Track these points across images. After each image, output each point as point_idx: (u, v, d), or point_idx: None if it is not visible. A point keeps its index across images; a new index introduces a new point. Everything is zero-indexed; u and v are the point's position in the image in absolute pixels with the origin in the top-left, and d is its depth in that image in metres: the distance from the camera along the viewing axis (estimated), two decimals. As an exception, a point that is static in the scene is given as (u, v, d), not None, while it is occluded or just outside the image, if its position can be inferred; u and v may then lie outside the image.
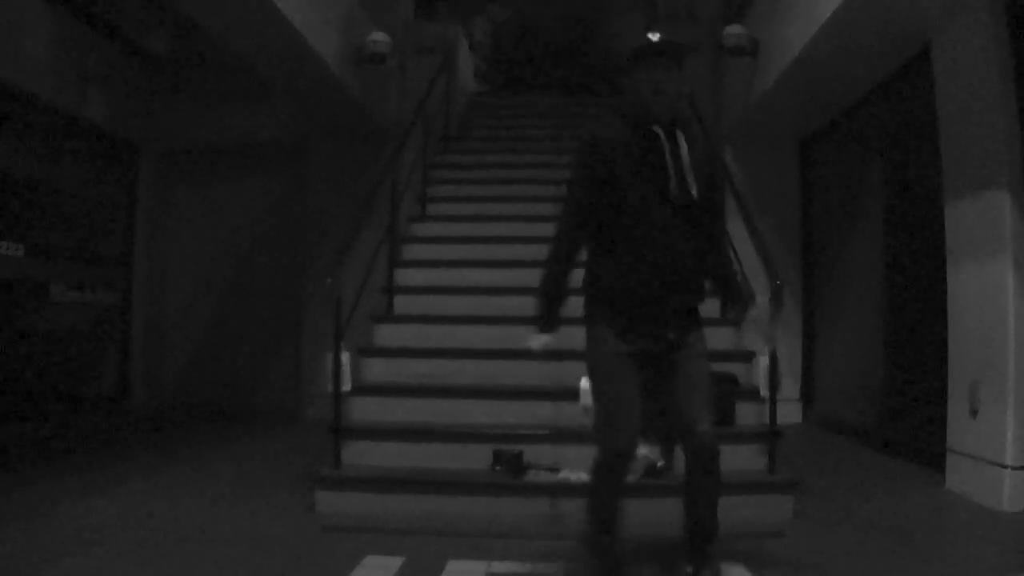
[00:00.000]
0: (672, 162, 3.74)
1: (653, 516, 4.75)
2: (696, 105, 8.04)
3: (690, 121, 3.93)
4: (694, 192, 3.74)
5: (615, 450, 3.81)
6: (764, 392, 5.36)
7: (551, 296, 3.98)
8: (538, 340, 4.03)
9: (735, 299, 4.02)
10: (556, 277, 3.97)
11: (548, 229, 7.73)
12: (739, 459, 5.35)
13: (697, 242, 3.82)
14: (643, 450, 5.10)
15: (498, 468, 5.37)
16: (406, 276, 7.42)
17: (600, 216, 3.82)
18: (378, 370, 6.29)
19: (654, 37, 3.75)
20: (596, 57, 15.91)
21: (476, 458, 5.46)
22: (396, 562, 4.29)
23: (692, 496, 3.86)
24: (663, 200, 3.72)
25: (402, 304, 7.11)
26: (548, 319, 4.01)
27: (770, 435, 5.31)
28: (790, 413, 9.14)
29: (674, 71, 3.76)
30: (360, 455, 5.57)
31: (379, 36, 9.31)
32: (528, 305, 6.89)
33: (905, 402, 7.40)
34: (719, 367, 5.77)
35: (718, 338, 5.84)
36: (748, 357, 6.07)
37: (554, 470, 5.32)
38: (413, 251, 7.81)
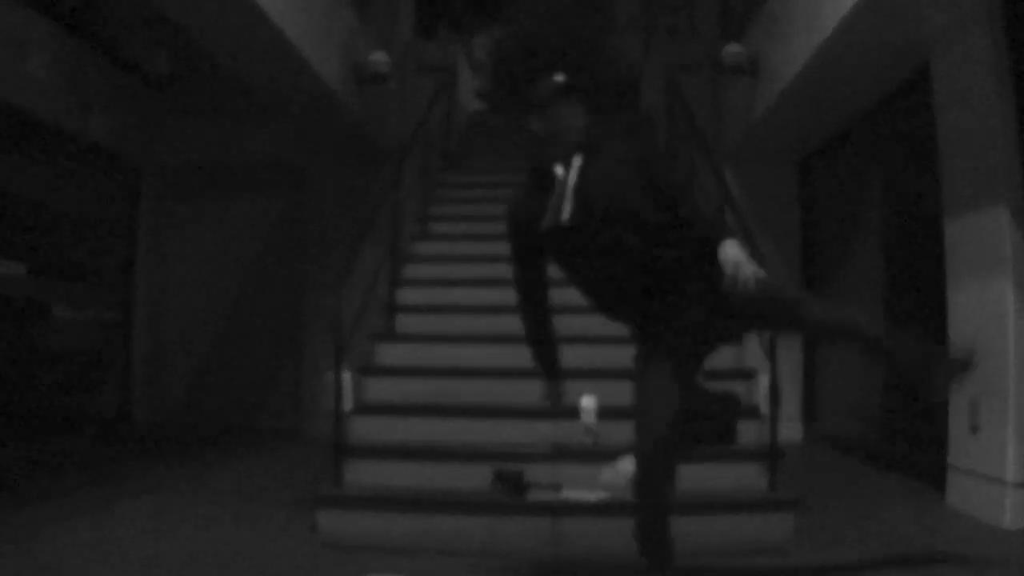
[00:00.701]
0: (561, 192, 3.74)
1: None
2: (652, 126, 8.10)
3: (598, 145, 3.88)
4: (565, 216, 3.69)
5: (645, 443, 3.66)
6: (765, 410, 5.36)
7: (537, 343, 4.06)
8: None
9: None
10: (531, 326, 4.05)
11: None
12: (740, 477, 5.37)
13: (640, 242, 3.65)
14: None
15: (499, 487, 5.36)
16: (407, 295, 7.43)
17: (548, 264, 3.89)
18: (379, 389, 6.29)
19: (557, 78, 3.71)
20: (597, 75, 15.98)
21: (477, 477, 5.44)
22: (397, 581, 4.30)
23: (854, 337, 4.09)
24: (569, 232, 3.71)
25: (403, 323, 7.12)
26: (546, 368, 4.10)
27: (771, 453, 5.31)
28: (791, 431, 9.12)
29: (576, 107, 3.83)
30: (362, 474, 5.56)
31: (379, 56, 9.35)
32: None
33: (905, 419, 7.40)
34: (720, 386, 5.78)
35: (719, 358, 5.84)
36: (749, 375, 6.08)
37: (555, 489, 5.32)
38: (415, 270, 7.82)
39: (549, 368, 4.10)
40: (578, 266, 3.79)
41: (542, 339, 4.05)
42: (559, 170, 3.79)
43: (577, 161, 3.80)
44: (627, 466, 4.83)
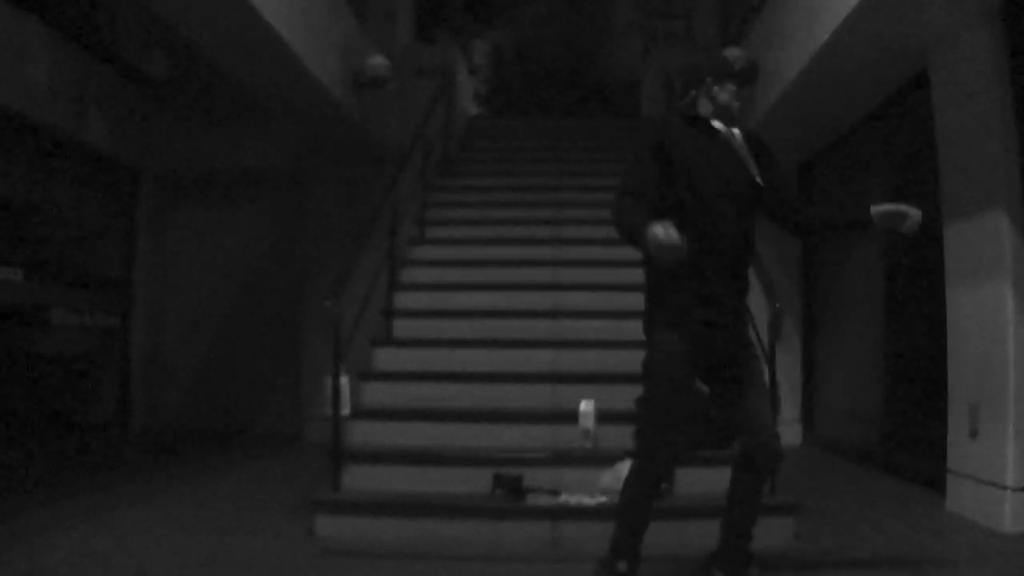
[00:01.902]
0: (733, 155, 4.03)
1: (657, 538, 4.77)
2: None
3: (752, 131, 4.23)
4: (758, 178, 4.02)
5: (658, 458, 3.88)
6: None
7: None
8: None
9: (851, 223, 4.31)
10: (635, 211, 3.69)
11: (547, 252, 7.84)
12: (740, 482, 5.36)
13: (750, 230, 4.01)
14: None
15: (498, 492, 5.35)
16: (406, 299, 7.43)
17: (663, 200, 3.85)
18: (378, 394, 6.28)
19: (733, 55, 3.97)
20: (595, 79, 15.99)
21: (476, 482, 5.44)
22: (396, 587, 4.28)
23: (745, 501, 3.97)
24: (724, 190, 3.89)
25: (401, 327, 7.11)
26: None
27: (771, 457, 5.29)
28: (790, 435, 9.13)
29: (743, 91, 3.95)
30: (360, 479, 5.55)
31: (378, 60, 9.34)
32: (526, 328, 6.93)
33: (905, 423, 7.38)
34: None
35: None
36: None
37: (554, 493, 5.31)
38: (413, 274, 7.82)
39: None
40: (707, 213, 3.85)
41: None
42: (720, 127, 4.11)
43: (736, 133, 4.14)
44: (627, 471, 4.83)
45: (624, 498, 4.02)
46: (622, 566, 3.94)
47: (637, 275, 4.27)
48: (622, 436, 5.29)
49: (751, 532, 4.02)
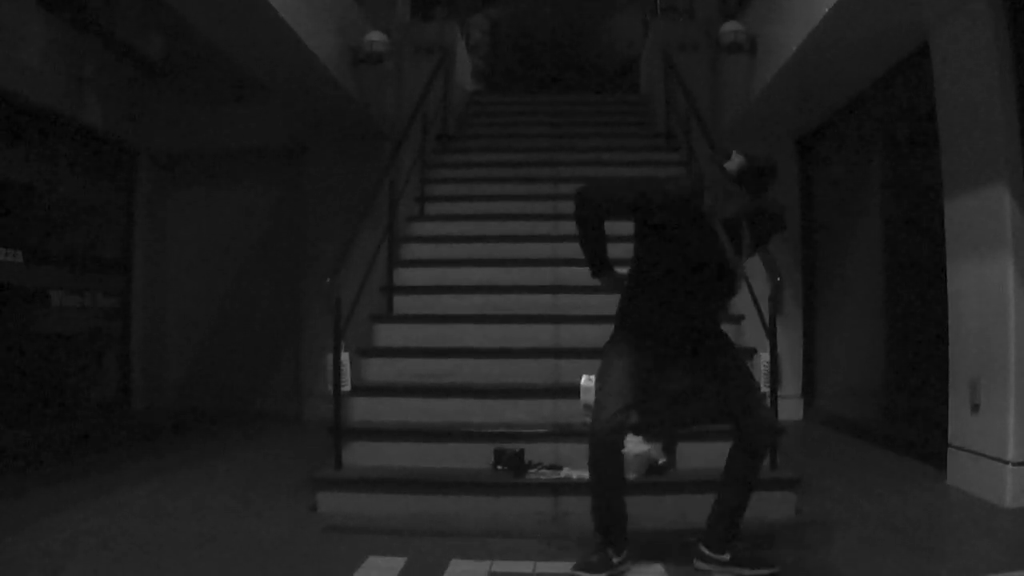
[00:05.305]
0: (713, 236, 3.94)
1: (656, 512, 4.85)
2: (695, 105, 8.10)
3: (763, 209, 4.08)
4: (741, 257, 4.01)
5: (599, 426, 4.00)
6: (765, 388, 5.34)
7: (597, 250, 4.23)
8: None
9: None
10: (595, 238, 4.20)
11: (546, 227, 7.83)
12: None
13: (717, 303, 4.21)
14: (645, 447, 5.10)
15: (500, 467, 5.36)
16: (405, 276, 7.42)
17: (646, 256, 4.08)
18: (378, 370, 6.29)
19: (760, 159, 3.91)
20: (594, 55, 15.90)
21: (477, 457, 5.45)
22: (398, 563, 4.28)
23: (739, 481, 4.06)
24: (701, 267, 3.96)
25: (401, 304, 7.11)
26: (598, 264, 4.27)
27: (771, 432, 5.29)
28: (791, 410, 9.14)
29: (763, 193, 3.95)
30: (361, 456, 5.56)
31: (376, 36, 9.30)
32: (525, 303, 6.92)
33: (906, 398, 7.39)
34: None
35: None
36: (749, 354, 6.05)
37: (556, 468, 5.32)
38: (412, 250, 7.81)
39: (601, 265, 4.27)
40: (680, 265, 3.98)
41: (600, 248, 4.23)
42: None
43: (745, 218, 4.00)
44: (630, 446, 4.85)
45: (591, 474, 4.09)
46: (597, 538, 4.08)
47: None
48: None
49: (742, 511, 4.07)
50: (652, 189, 3.97)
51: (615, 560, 4.04)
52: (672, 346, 4.11)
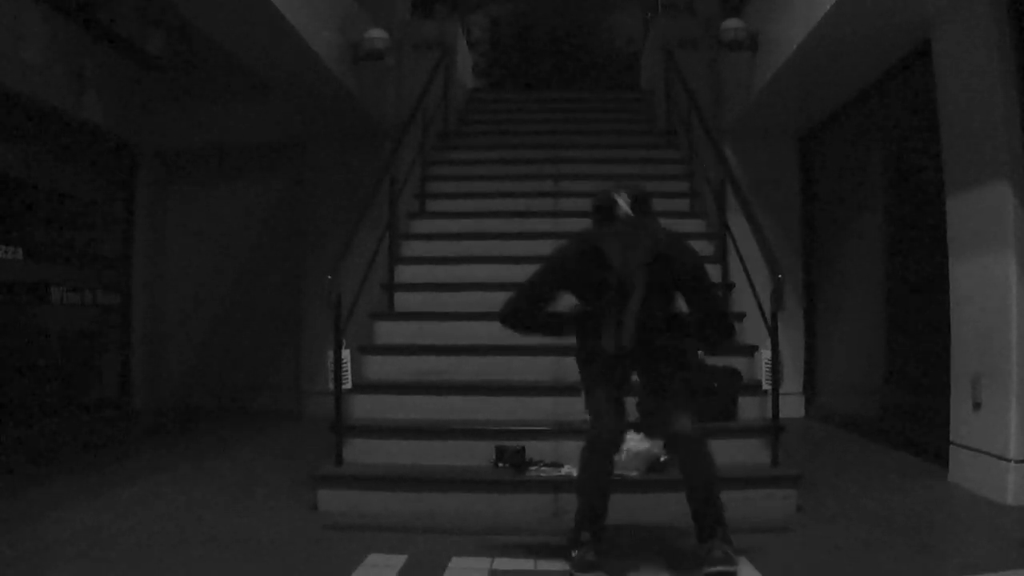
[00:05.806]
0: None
1: (658, 508, 4.83)
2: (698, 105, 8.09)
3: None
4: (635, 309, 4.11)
5: (598, 435, 4.05)
6: (766, 386, 5.34)
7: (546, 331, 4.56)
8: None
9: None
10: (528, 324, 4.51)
11: (547, 224, 7.82)
12: (742, 453, 5.37)
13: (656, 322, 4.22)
14: (646, 444, 5.09)
15: (501, 464, 5.35)
16: (406, 273, 7.41)
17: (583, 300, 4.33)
18: (379, 367, 6.28)
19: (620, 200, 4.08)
20: (595, 51, 15.91)
21: (478, 454, 5.44)
22: (399, 560, 4.27)
23: (689, 484, 4.06)
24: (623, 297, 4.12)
25: (402, 301, 7.10)
26: (553, 326, 4.52)
27: (773, 429, 5.29)
28: (792, 407, 9.13)
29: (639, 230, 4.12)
30: (362, 453, 5.55)
31: (377, 33, 9.29)
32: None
33: (907, 395, 7.39)
34: (722, 361, 5.77)
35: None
36: (750, 351, 6.06)
37: (557, 465, 5.31)
38: (412, 248, 7.79)
39: (554, 323, 4.48)
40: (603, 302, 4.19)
41: (551, 324, 4.49)
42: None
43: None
44: (631, 444, 4.85)
45: (579, 472, 4.12)
46: (585, 536, 4.03)
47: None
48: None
49: (714, 504, 4.02)
50: (542, 272, 4.41)
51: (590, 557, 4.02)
52: (628, 365, 4.27)
